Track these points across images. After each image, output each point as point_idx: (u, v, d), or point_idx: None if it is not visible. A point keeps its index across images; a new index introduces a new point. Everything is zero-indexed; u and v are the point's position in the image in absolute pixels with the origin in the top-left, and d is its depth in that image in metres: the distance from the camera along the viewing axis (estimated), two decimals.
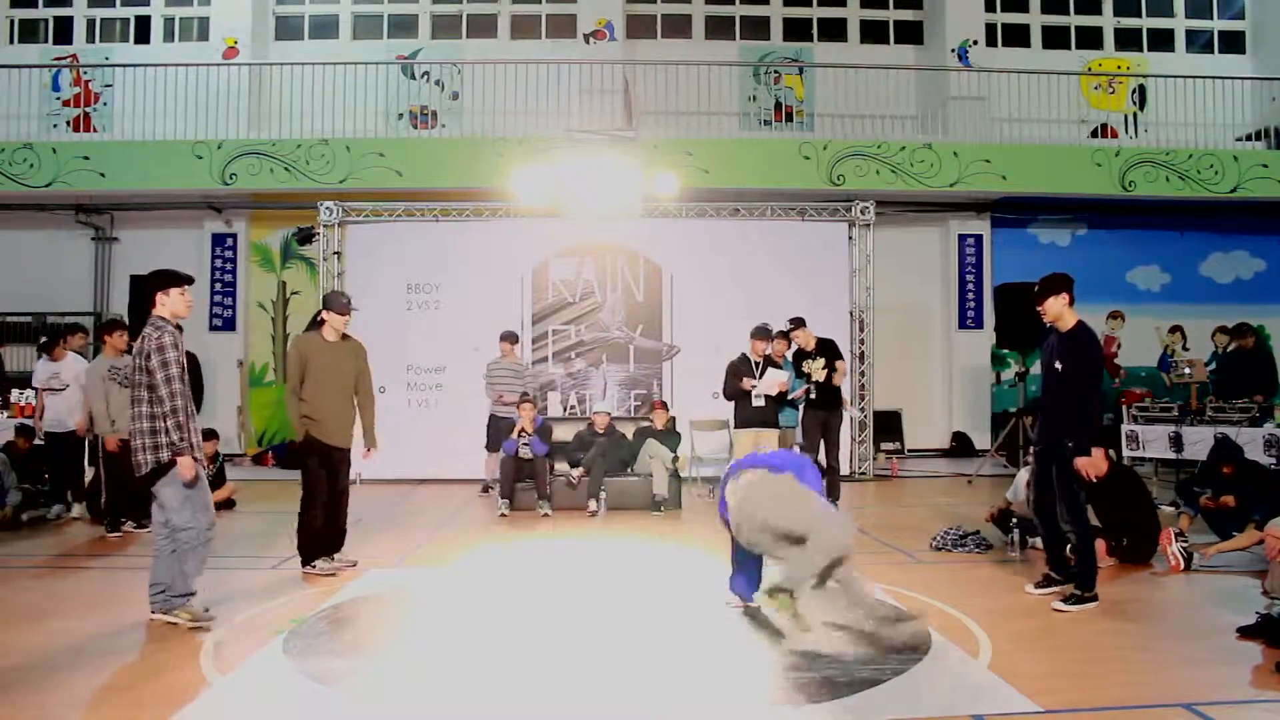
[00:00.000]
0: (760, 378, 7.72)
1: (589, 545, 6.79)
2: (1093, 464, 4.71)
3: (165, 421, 4.37)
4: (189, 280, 4.69)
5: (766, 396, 7.68)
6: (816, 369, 8.07)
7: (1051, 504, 4.99)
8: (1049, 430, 4.99)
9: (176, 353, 4.41)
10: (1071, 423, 4.81)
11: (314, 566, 5.64)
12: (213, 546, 4.66)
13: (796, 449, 8.46)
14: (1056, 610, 4.74)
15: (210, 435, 8.33)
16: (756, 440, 7.80)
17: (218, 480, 8.31)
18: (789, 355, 8.48)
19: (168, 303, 4.56)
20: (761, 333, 7.82)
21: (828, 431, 8.15)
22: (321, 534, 5.72)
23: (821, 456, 8.22)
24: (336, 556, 5.79)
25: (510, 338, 9.38)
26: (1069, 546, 5.04)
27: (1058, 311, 4.93)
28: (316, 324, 5.89)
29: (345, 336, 5.88)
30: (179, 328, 4.60)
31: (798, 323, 8.20)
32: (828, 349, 8.24)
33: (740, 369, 7.84)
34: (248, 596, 5.08)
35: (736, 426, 7.97)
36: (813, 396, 8.03)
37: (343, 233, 10.72)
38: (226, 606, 4.85)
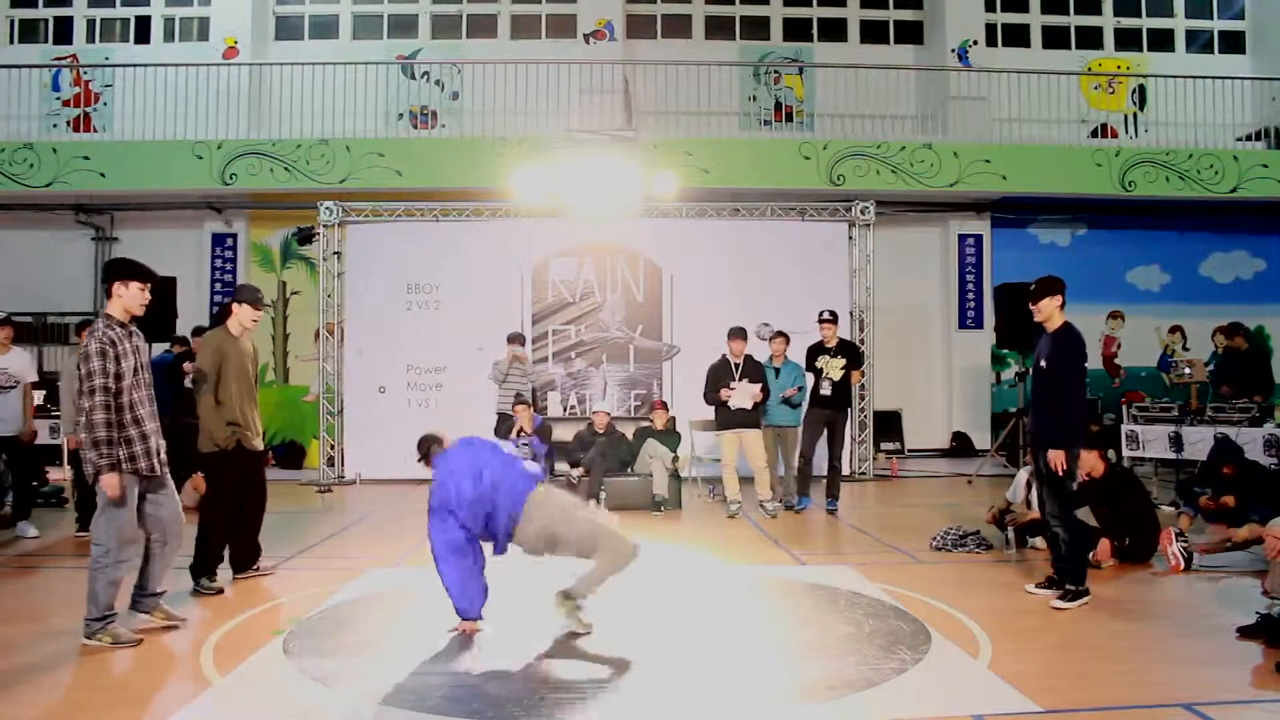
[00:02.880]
0: (739, 379, 7.78)
1: None
2: (1060, 458, 4.77)
3: (86, 437, 4.11)
4: (151, 277, 4.39)
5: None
6: (834, 368, 8.10)
7: None
8: (1039, 428, 5.08)
9: (102, 361, 4.09)
10: (1056, 419, 4.91)
11: (203, 585, 5.14)
12: (123, 574, 4.23)
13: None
14: (1055, 608, 4.75)
15: None
16: (739, 442, 7.84)
17: None
18: (787, 354, 8.50)
19: (125, 295, 4.27)
20: (739, 333, 7.85)
21: (833, 431, 8.19)
22: (237, 547, 5.41)
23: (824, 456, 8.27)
24: (260, 564, 5.51)
25: (518, 339, 9.45)
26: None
27: (1049, 312, 5.01)
28: (223, 317, 5.39)
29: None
30: (130, 324, 4.30)
31: (834, 316, 8.26)
32: (850, 351, 8.27)
33: (720, 372, 7.89)
34: (247, 596, 5.08)
35: (719, 429, 8.01)
36: (826, 394, 8.07)
37: (343, 233, 10.72)
38: (226, 607, 4.86)
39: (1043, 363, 5.00)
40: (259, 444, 5.39)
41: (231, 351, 5.26)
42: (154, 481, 4.36)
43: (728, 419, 7.87)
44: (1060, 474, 4.84)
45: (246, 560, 5.48)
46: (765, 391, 7.83)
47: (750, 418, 7.85)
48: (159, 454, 4.36)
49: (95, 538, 4.19)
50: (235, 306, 5.34)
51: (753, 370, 7.86)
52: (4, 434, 7.02)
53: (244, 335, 5.39)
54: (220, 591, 5.15)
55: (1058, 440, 4.84)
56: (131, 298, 4.29)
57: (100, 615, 4.14)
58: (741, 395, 7.72)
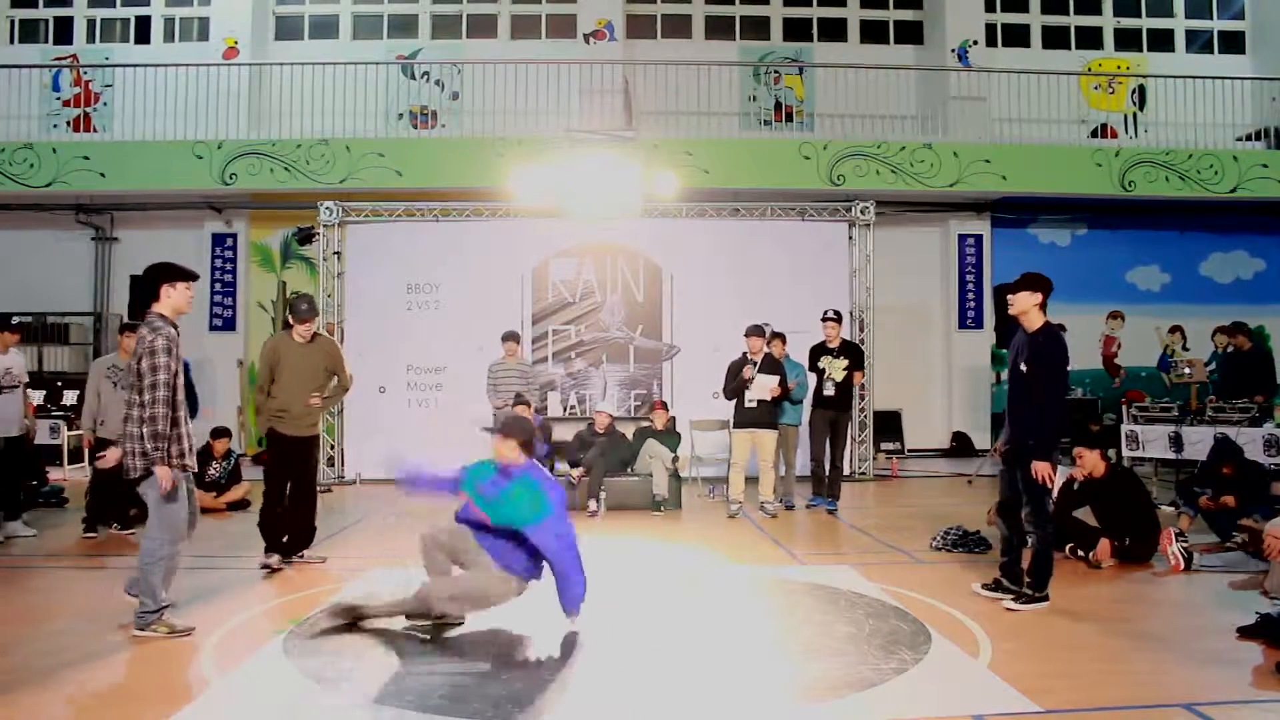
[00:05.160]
0: (759, 372, 7.77)
1: (589, 545, 6.76)
2: (1046, 470, 4.68)
3: (143, 429, 4.22)
4: (194, 277, 4.61)
5: (760, 400, 7.74)
6: (837, 368, 8.12)
7: (1015, 505, 4.93)
8: (1014, 432, 4.90)
9: (168, 358, 4.25)
10: (1033, 425, 4.75)
11: (271, 561, 5.69)
12: (177, 565, 4.45)
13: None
14: (1009, 609, 4.74)
15: (222, 433, 8.34)
16: (752, 441, 7.85)
17: (233, 478, 8.29)
18: (787, 353, 8.51)
19: (173, 295, 4.44)
20: (756, 331, 7.87)
21: (835, 431, 8.22)
22: (289, 530, 5.84)
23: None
24: (305, 554, 5.90)
25: (513, 338, 9.34)
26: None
27: (1025, 307, 4.80)
28: (286, 325, 6.00)
29: (315, 336, 5.94)
30: (176, 326, 4.48)
31: (838, 316, 8.34)
32: (852, 351, 8.30)
33: (740, 369, 7.89)
34: (248, 596, 5.08)
35: (734, 427, 8.01)
36: (829, 394, 8.10)
37: (343, 233, 10.72)
38: (226, 606, 4.85)
39: (1022, 365, 4.81)
40: (299, 431, 5.79)
41: (287, 353, 5.76)
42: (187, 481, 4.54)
43: (743, 417, 7.85)
44: (1044, 484, 4.75)
45: (292, 545, 5.84)
46: (783, 388, 7.81)
47: (766, 417, 7.84)
48: (193, 449, 4.55)
49: (149, 532, 4.34)
50: (291, 319, 5.89)
51: (771, 367, 7.86)
52: (6, 434, 6.89)
53: (308, 340, 5.84)
54: (271, 570, 5.61)
55: (1039, 451, 4.70)
56: (180, 297, 4.47)
57: (157, 607, 4.30)
58: (759, 388, 7.72)
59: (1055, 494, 6.27)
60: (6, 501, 6.95)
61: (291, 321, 5.85)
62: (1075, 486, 6.23)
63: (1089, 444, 6.22)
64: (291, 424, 5.75)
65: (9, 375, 6.95)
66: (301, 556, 5.86)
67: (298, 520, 5.86)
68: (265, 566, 5.65)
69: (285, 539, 5.81)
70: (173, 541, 4.35)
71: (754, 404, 7.75)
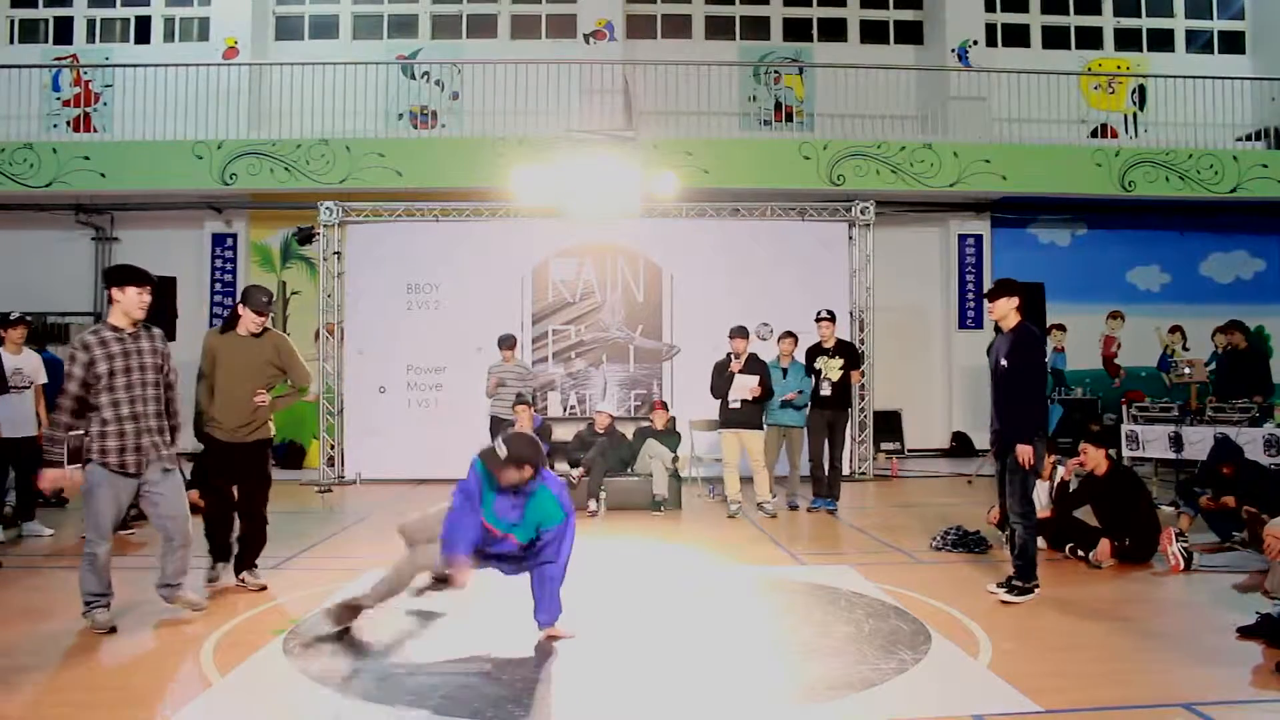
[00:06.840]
0: (739, 373, 7.81)
1: (588, 545, 6.76)
2: (1028, 453, 4.83)
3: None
4: (147, 280, 4.42)
5: (743, 400, 7.77)
6: (833, 368, 8.12)
7: None
8: (1003, 426, 5.09)
9: (70, 365, 4.22)
10: (1018, 415, 4.95)
11: (214, 575, 5.21)
12: (105, 562, 4.36)
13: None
14: (1004, 603, 4.78)
15: None
16: (740, 441, 7.87)
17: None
18: (795, 354, 8.50)
19: (123, 300, 4.33)
20: (740, 332, 7.90)
21: (833, 431, 8.23)
22: (238, 542, 5.31)
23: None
24: (246, 576, 5.24)
25: (509, 344, 9.32)
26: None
27: (1005, 312, 5.11)
28: (234, 320, 5.29)
29: (266, 331, 5.30)
30: (137, 326, 4.38)
31: (832, 315, 8.33)
32: (848, 351, 8.31)
33: (724, 369, 7.92)
34: (247, 597, 5.08)
35: (720, 427, 8.04)
36: (826, 394, 8.11)
37: (343, 233, 10.72)
38: (226, 606, 4.86)
39: (1003, 362, 5.04)
40: (240, 436, 5.20)
41: (224, 349, 5.19)
42: (141, 478, 4.41)
43: (728, 418, 7.89)
44: (1026, 470, 4.89)
45: (239, 561, 5.29)
46: (764, 388, 7.82)
47: (751, 418, 7.86)
48: (141, 451, 4.37)
49: (84, 528, 4.44)
50: (240, 308, 5.27)
51: (753, 367, 7.86)
52: (17, 435, 6.84)
53: (253, 333, 5.22)
54: (213, 580, 5.19)
55: (1021, 435, 4.87)
56: (130, 302, 4.36)
57: (84, 599, 4.37)
58: (739, 388, 7.74)
59: (1053, 493, 6.31)
60: (22, 501, 6.99)
61: (240, 313, 5.19)
62: (1070, 488, 6.25)
63: (1095, 441, 6.24)
64: (229, 430, 5.14)
65: (19, 375, 6.94)
66: (242, 581, 5.22)
67: (245, 535, 5.28)
68: (213, 580, 5.18)
69: (235, 553, 5.28)
70: (96, 540, 4.33)
71: (738, 404, 7.79)
